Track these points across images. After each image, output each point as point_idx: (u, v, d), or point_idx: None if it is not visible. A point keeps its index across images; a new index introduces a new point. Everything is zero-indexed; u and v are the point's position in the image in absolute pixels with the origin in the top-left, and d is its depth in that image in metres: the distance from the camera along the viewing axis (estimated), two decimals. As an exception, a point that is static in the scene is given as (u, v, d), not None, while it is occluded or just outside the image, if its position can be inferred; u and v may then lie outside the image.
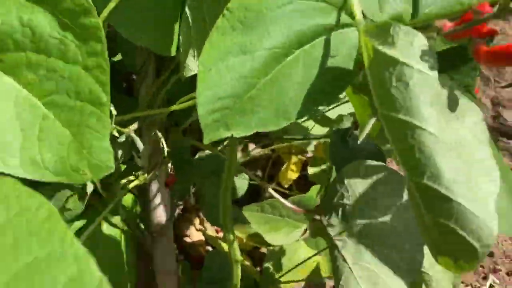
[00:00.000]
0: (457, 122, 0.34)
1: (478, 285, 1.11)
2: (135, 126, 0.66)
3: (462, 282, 1.10)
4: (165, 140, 0.69)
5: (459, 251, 0.34)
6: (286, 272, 1.01)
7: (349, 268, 0.59)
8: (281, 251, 1.02)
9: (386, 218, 0.60)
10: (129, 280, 0.74)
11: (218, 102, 0.39)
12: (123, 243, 0.73)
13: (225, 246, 1.12)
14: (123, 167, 0.73)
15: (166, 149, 0.67)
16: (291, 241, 0.91)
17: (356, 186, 0.63)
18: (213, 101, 0.39)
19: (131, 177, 0.71)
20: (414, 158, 0.34)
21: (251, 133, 0.40)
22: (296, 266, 0.94)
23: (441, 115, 0.33)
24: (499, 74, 1.92)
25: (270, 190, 0.76)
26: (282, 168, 1.20)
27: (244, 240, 1.14)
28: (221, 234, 1.13)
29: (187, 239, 1.20)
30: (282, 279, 1.00)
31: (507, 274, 1.14)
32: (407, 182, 0.35)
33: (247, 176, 0.90)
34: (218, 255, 0.98)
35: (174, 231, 1.21)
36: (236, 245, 0.69)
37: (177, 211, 1.22)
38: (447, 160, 0.34)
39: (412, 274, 0.57)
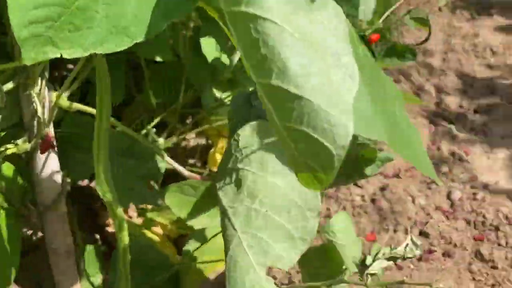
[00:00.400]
0: (311, 14, 0.29)
1: (412, 266, 1.07)
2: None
3: (396, 265, 1.06)
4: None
5: (315, 159, 0.29)
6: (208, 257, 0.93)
7: (239, 236, 0.53)
8: (203, 234, 0.95)
9: (278, 182, 0.54)
10: (11, 264, 0.65)
11: (38, 10, 0.31)
12: (2, 220, 0.64)
13: (147, 233, 1.04)
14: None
15: (43, 113, 0.59)
16: (215, 224, 0.84)
17: (250, 149, 0.57)
18: (30, 8, 0.31)
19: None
20: (259, 53, 0.28)
21: (87, 54, 0.33)
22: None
23: (290, 5, 0.28)
24: (444, 63, 1.92)
25: (181, 169, 0.69)
26: (210, 151, 1.13)
27: (169, 227, 1.07)
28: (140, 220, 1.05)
29: (109, 229, 1.11)
30: (203, 262, 0.93)
31: (443, 255, 1.10)
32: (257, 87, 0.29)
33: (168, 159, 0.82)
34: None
35: (96, 220, 1.12)
36: (125, 225, 0.61)
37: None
38: (295, 52, 0.28)
39: (304, 243, 0.52)
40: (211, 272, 0.95)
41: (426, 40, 1.01)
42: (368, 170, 0.61)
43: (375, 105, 0.33)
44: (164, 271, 0.90)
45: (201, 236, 0.93)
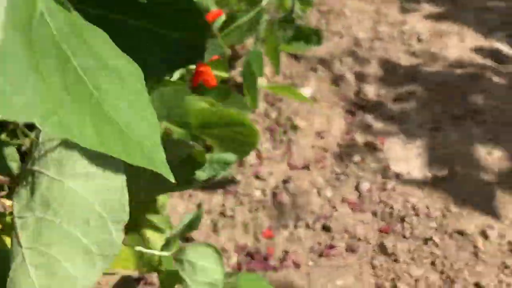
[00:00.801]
0: None
1: (311, 263, 1.01)
2: None
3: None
4: None
5: None
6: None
7: (22, 253, 0.43)
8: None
9: (78, 188, 0.45)
10: None
11: None
12: None
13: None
14: None
15: None
16: None
17: (49, 145, 0.47)
18: None
19: None
20: None
21: None
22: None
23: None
24: (369, 51, 1.88)
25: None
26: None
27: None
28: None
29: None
30: None
31: (346, 250, 1.05)
32: None
33: None
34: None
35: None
36: None
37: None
38: None
39: (105, 260, 0.43)
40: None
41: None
42: (202, 175, 0.53)
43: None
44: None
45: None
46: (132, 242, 0.90)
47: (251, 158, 1.20)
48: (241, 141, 0.73)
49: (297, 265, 0.99)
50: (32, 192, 0.47)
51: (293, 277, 0.96)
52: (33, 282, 0.43)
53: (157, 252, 0.62)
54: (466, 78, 1.63)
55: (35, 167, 0.48)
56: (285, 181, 1.14)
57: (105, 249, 0.45)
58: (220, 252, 0.53)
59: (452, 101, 1.54)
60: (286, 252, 1.01)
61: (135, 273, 0.94)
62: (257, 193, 1.10)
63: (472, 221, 1.08)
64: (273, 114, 1.37)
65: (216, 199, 1.09)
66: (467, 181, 1.20)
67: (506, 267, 0.97)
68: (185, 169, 0.51)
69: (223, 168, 0.54)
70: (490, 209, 1.13)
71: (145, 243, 0.89)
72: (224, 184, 1.11)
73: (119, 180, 0.46)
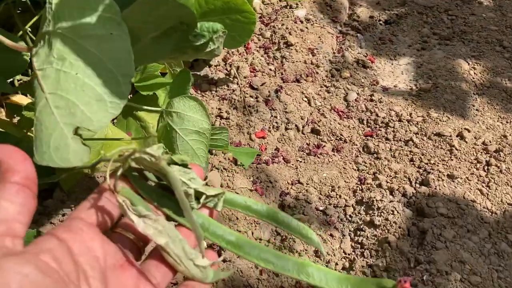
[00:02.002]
0: None
1: (300, 159, 1.10)
2: None
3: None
4: None
5: None
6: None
7: (46, 98, 0.51)
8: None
9: (91, 46, 0.52)
10: None
11: None
12: None
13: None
14: None
15: None
16: (78, 162, 0.83)
17: (63, 11, 0.54)
18: None
19: None
20: None
21: None
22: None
23: None
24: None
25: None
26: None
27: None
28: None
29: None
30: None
31: (332, 150, 1.14)
32: None
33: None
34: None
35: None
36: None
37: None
38: None
39: (115, 107, 0.51)
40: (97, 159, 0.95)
41: None
42: (194, 40, 0.60)
43: None
44: (44, 172, 0.89)
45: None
46: (137, 135, 0.99)
47: (246, 71, 1.27)
48: (239, 29, 0.80)
49: (287, 161, 1.08)
50: (50, 49, 0.55)
51: (283, 170, 1.05)
52: (56, 119, 0.52)
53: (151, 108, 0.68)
54: (455, 2, 1.67)
55: (50, 28, 0.56)
56: (277, 91, 1.21)
57: (115, 98, 0.53)
58: (205, 105, 0.60)
59: (441, 23, 1.59)
60: (277, 150, 1.10)
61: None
62: (251, 100, 1.18)
63: (451, 125, 1.16)
64: (268, 33, 1.43)
65: (213, 104, 1.17)
66: (449, 92, 1.28)
67: (479, 161, 1.06)
68: (178, 34, 0.58)
69: (212, 35, 0.61)
70: (468, 116, 1.21)
71: (141, 121, 0.97)
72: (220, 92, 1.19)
73: (126, 43, 0.54)
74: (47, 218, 0.88)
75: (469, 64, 1.38)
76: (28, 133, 1.00)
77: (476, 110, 1.22)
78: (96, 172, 0.96)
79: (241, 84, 1.22)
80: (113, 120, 1.02)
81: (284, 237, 0.92)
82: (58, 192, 0.92)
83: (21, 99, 1.06)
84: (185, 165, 0.47)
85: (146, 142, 0.90)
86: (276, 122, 1.14)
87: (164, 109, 0.61)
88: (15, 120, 1.04)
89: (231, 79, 1.24)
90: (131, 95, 1.02)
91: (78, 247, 0.32)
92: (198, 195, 0.46)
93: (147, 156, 0.45)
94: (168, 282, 0.40)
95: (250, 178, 1.00)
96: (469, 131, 1.14)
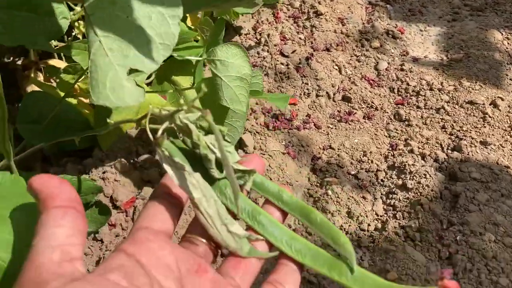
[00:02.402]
0: None
1: (331, 126, 1.11)
2: None
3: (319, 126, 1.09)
4: None
5: None
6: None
7: (99, 41, 0.53)
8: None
9: None
10: None
11: None
12: None
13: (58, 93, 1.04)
14: None
15: None
16: (134, 102, 0.84)
17: None
18: None
19: None
20: None
21: None
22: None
23: None
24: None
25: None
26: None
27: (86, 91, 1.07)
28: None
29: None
30: (114, 118, 0.94)
31: (363, 117, 1.14)
32: None
33: None
34: (38, 93, 0.90)
35: (17, 90, 1.11)
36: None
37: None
38: None
39: (166, 49, 0.52)
40: (128, 128, 0.97)
41: None
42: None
43: None
44: (83, 128, 0.92)
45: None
46: (172, 99, 1.00)
47: (276, 39, 1.27)
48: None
49: (318, 127, 1.08)
50: (100, -5, 0.56)
51: (314, 135, 1.06)
52: (110, 60, 0.53)
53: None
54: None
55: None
56: (307, 58, 1.21)
57: (165, 39, 0.54)
58: (246, 51, 0.61)
59: (473, -6, 1.56)
60: (308, 116, 1.10)
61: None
62: (282, 67, 1.18)
63: (483, 94, 1.15)
64: (297, 3, 1.42)
65: (244, 71, 1.18)
66: (481, 61, 1.26)
67: (512, 129, 1.05)
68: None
69: None
70: (502, 85, 1.19)
71: (176, 85, 0.99)
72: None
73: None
74: (87, 176, 0.91)
75: (502, 34, 1.36)
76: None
77: (510, 79, 1.21)
78: (140, 127, 0.97)
79: (271, 51, 1.22)
80: (148, 84, 1.04)
81: (316, 198, 0.93)
82: (96, 151, 0.94)
83: (58, 63, 1.08)
84: (222, 136, 0.48)
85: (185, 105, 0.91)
86: (307, 89, 1.14)
87: (208, 58, 0.63)
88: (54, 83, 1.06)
89: (262, 47, 1.24)
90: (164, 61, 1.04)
91: (148, 259, 0.31)
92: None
93: (191, 115, 0.46)
94: (249, 284, 0.37)
95: (282, 142, 1.02)
96: (502, 100, 1.13)
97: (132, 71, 0.58)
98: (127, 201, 0.85)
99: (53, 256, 0.28)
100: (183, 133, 0.47)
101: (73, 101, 1.00)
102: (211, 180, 0.47)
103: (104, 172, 0.90)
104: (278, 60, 1.20)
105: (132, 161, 0.93)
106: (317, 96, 1.15)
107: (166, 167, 0.43)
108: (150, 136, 0.45)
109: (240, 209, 0.45)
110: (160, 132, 0.45)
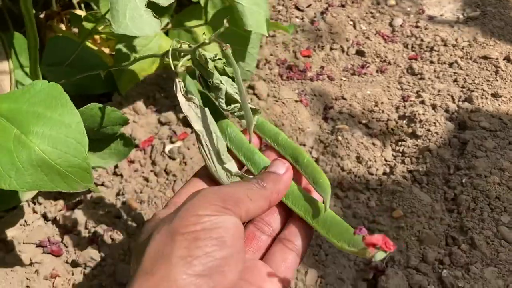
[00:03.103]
0: None
1: (344, 78, 1.12)
2: None
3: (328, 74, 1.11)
4: None
5: None
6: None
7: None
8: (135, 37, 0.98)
9: None
10: None
11: None
12: None
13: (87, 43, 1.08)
14: None
15: None
16: (151, 32, 0.87)
17: None
18: None
19: None
20: None
21: None
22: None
23: None
24: None
25: None
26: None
27: (106, 39, 1.10)
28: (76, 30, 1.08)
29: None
30: (134, 66, 0.97)
31: (376, 71, 1.16)
32: None
33: None
34: (61, 38, 0.93)
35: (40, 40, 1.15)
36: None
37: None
38: None
39: None
40: (144, 74, 1.00)
41: None
42: None
43: None
44: (101, 67, 0.96)
45: (131, 38, 0.97)
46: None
47: (292, -6, 1.28)
48: None
49: (331, 79, 1.11)
50: None
51: (327, 86, 1.08)
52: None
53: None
54: None
55: None
56: (322, 13, 1.22)
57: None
58: None
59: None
60: (322, 68, 1.12)
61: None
62: (297, 20, 1.20)
63: (498, 49, 1.15)
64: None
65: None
66: (497, 18, 1.26)
67: (524, 83, 1.06)
68: None
69: None
70: (516, 41, 1.19)
71: (192, 33, 1.01)
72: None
73: None
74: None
75: (520, -8, 1.35)
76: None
77: (525, 36, 1.21)
78: (160, 68, 1.00)
79: (287, 5, 1.24)
80: (166, 32, 1.07)
81: (327, 144, 0.96)
82: (115, 96, 0.98)
83: (80, 13, 1.11)
84: (232, 78, 0.51)
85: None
86: (322, 42, 1.16)
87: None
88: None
89: (277, 0, 1.26)
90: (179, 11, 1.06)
91: None
92: (233, 101, 0.49)
93: (208, 54, 0.49)
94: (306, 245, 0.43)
95: (295, 91, 1.04)
96: (516, 55, 1.13)
97: (149, 5, 0.62)
98: (145, 139, 0.89)
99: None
100: (201, 69, 0.50)
101: (94, 48, 1.03)
102: (217, 118, 0.51)
103: (123, 114, 0.94)
104: (293, 14, 1.21)
105: (149, 104, 0.97)
106: (331, 49, 1.17)
107: (178, 95, 0.47)
108: (172, 66, 0.48)
109: (237, 148, 0.48)
110: (180, 63, 0.49)
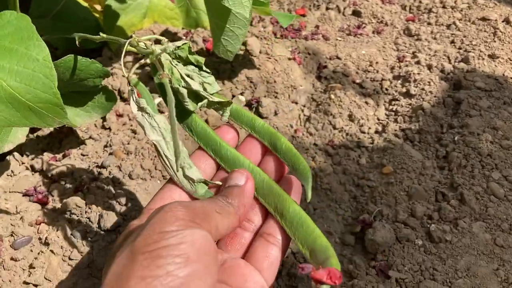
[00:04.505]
0: None
1: (340, 39, 1.10)
2: None
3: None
4: None
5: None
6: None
7: None
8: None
9: None
10: None
11: None
12: None
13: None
14: None
15: None
16: None
17: None
18: None
19: None
20: None
21: None
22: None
23: None
24: None
25: None
26: None
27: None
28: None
29: None
30: (122, 20, 0.95)
31: (373, 32, 1.13)
32: None
33: None
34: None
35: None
36: None
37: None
38: None
39: None
40: (134, 29, 0.98)
41: None
42: None
43: None
44: (90, 21, 0.94)
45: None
46: (180, 3, 1.01)
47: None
48: None
49: (326, 38, 1.09)
50: None
51: (322, 46, 1.06)
52: None
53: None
54: None
55: None
56: (319, -28, 1.20)
57: None
58: None
59: None
60: (317, 27, 1.10)
61: (181, 30, 1.05)
62: (293, -22, 1.17)
63: (497, 11, 1.13)
64: None
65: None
66: (499, -20, 1.23)
67: (522, 45, 1.04)
68: None
69: None
70: (516, 4, 1.17)
71: (190, 1, 0.99)
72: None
73: None
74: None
75: (523, -45, 1.31)
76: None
77: (526, -1, 1.18)
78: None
79: (283, -35, 1.21)
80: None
81: (319, 102, 0.94)
82: (106, 51, 0.97)
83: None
84: (200, 67, 0.48)
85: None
86: (317, 1, 1.14)
87: None
88: None
89: (274, -40, 1.23)
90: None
91: None
92: (200, 99, 0.46)
93: (170, 45, 0.46)
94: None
95: (289, 49, 1.02)
96: (515, 18, 1.11)
97: None
98: (134, 93, 0.87)
99: None
100: (161, 66, 0.47)
101: (85, 4, 1.01)
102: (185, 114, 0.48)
103: (112, 69, 0.92)
104: (289, -28, 1.18)
105: (139, 59, 0.95)
106: (327, 9, 1.14)
107: (131, 104, 0.44)
108: (124, 72, 0.45)
109: (205, 143, 0.47)
110: (132, 70, 0.46)
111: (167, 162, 0.43)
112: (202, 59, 0.48)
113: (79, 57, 0.68)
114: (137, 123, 0.43)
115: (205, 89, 0.47)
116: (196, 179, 0.43)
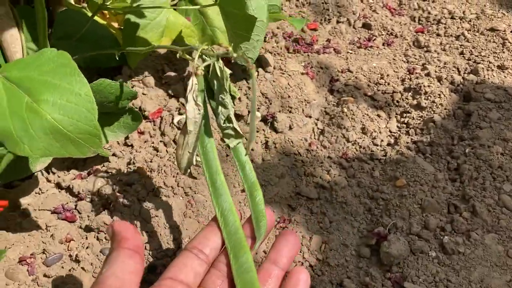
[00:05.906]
0: None
1: (351, 51, 1.13)
2: None
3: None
4: None
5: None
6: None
7: None
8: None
9: None
10: None
11: None
12: None
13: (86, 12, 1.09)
14: None
15: None
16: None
17: None
18: None
19: None
20: None
21: None
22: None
23: None
24: None
25: None
26: None
27: (115, 15, 1.11)
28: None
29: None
30: (141, 37, 0.98)
31: (383, 44, 1.16)
32: None
33: None
34: (71, 12, 0.95)
35: (50, 15, 1.16)
36: None
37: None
38: None
39: None
40: (158, 41, 1.02)
41: None
42: None
43: None
44: (109, 39, 0.97)
45: (140, 12, 0.97)
46: (195, 21, 1.04)
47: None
48: None
49: (337, 52, 1.11)
50: None
51: (333, 59, 1.09)
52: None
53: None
54: None
55: None
56: (329, -14, 1.22)
57: None
58: None
59: None
60: (328, 41, 1.13)
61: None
62: (304, -7, 1.20)
63: (505, 21, 1.15)
64: None
65: None
66: (507, -10, 1.25)
67: (531, 55, 1.06)
68: None
69: None
70: (524, 13, 1.19)
71: (206, 19, 1.02)
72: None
73: None
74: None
75: (530, -36, 1.33)
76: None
77: (534, 8, 1.20)
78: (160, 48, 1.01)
79: (294, -21, 1.24)
80: (174, 6, 1.07)
81: (332, 116, 0.97)
82: (125, 69, 1.00)
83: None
84: (233, 98, 0.54)
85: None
86: (328, 15, 1.16)
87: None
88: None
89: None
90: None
91: None
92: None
93: (220, 51, 0.51)
94: None
95: (301, 63, 1.05)
96: (524, 27, 1.13)
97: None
98: (154, 111, 0.91)
99: (116, 284, 0.38)
100: (215, 80, 0.52)
101: (103, 22, 1.05)
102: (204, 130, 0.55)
103: (132, 87, 0.96)
104: (300, -13, 1.21)
105: (158, 77, 0.99)
106: (337, 22, 1.17)
107: (189, 96, 0.50)
108: (194, 66, 0.50)
109: (207, 166, 0.53)
110: (202, 67, 0.51)
111: (180, 151, 0.50)
112: (238, 94, 0.52)
113: (110, 81, 0.72)
114: (185, 112, 0.49)
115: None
116: (193, 163, 0.51)
